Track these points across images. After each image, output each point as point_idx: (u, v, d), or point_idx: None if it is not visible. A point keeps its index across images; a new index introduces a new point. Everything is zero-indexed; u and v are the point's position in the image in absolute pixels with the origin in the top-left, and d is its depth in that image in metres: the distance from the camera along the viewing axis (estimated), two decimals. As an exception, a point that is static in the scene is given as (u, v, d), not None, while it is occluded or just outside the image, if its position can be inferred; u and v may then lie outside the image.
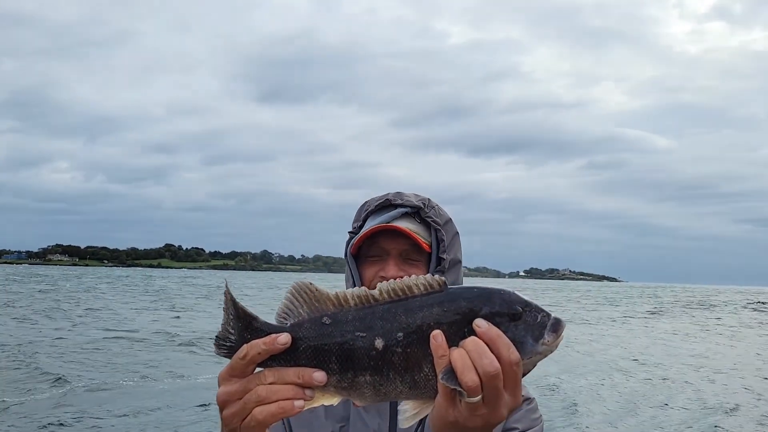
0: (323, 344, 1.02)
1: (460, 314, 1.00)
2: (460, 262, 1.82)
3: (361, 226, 1.80)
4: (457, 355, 0.97)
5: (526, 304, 1.01)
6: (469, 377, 0.95)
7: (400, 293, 1.03)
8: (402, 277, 1.45)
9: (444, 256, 1.73)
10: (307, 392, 1.01)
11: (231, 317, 1.07)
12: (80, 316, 26.94)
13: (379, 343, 1.01)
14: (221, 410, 1.06)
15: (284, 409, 1.00)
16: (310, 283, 1.05)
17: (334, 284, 1.13)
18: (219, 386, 1.06)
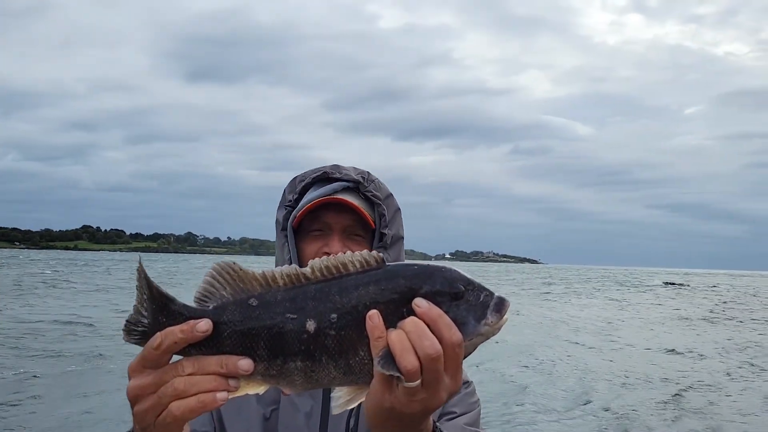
0: (250, 328, 0.93)
1: (399, 293, 0.93)
2: (402, 238, 1.75)
3: (297, 200, 1.70)
4: (396, 337, 0.90)
5: (469, 283, 0.95)
6: (408, 360, 0.88)
7: (334, 271, 0.95)
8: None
9: (385, 231, 1.67)
10: (231, 382, 0.92)
11: (144, 298, 0.94)
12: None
13: (310, 325, 0.93)
14: (132, 405, 0.94)
15: (204, 404, 0.90)
16: (233, 263, 0.95)
17: (263, 267, 1.00)
18: (129, 378, 0.94)
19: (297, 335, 0.93)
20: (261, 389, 0.94)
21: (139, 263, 0.94)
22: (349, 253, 0.95)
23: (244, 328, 0.93)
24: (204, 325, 0.90)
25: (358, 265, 0.95)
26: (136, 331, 0.94)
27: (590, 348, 18.14)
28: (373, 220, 1.65)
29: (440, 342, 0.90)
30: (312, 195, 1.64)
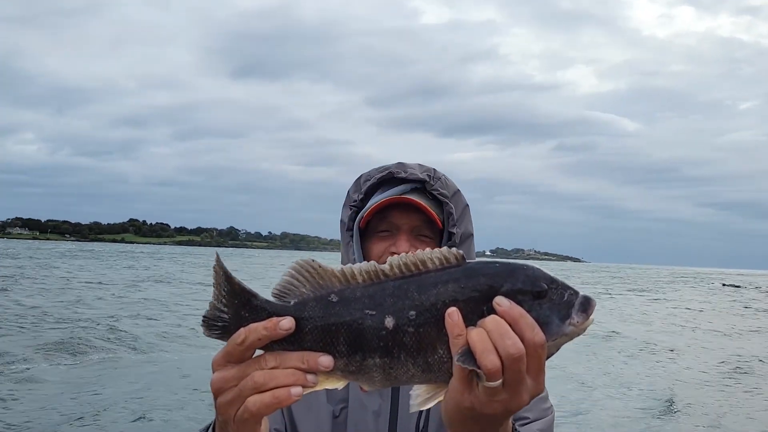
0: (330, 324, 0.93)
1: (479, 291, 0.91)
2: (471, 235, 1.71)
3: (363, 200, 1.69)
4: (476, 336, 0.88)
5: (552, 281, 0.93)
6: (490, 359, 0.86)
7: (413, 268, 0.93)
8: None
9: (454, 230, 1.64)
10: (310, 378, 0.92)
11: (224, 293, 0.95)
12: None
13: (389, 322, 0.92)
14: (215, 398, 0.96)
15: (279, 399, 0.90)
16: (313, 260, 0.95)
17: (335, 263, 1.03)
18: (213, 371, 0.96)
19: (376, 332, 0.92)
20: (340, 384, 0.94)
21: (217, 258, 0.95)
22: (428, 250, 0.94)
23: (325, 324, 0.93)
24: (287, 323, 0.91)
25: (437, 262, 0.93)
26: (216, 326, 0.95)
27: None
28: (440, 220, 1.64)
29: (522, 342, 0.88)
30: (380, 195, 1.65)
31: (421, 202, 1.59)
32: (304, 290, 0.94)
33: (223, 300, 0.95)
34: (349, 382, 0.94)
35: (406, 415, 1.54)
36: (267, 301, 0.95)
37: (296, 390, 0.90)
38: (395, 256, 0.94)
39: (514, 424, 1.07)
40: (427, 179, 1.64)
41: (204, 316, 0.95)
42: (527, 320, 0.89)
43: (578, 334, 0.93)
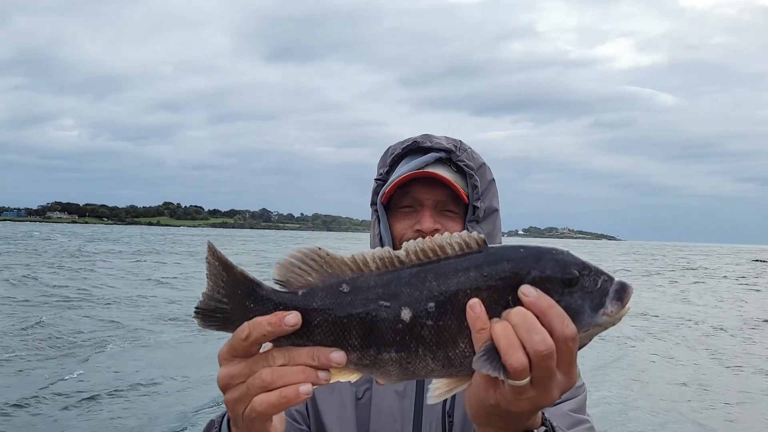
0: (341, 316, 0.86)
1: (503, 279, 0.84)
2: (497, 210, 1.64)
3: (388, 173, 1.64)
4: (501, 331, 0.80)
5: (584, 267, 0.85)
6: (516, 357, 0.79)
7: (431, 254, 0.86)
8: (438, 231, 1.33)
9: (478, 204, 1.57)
10: (321, 375, 0.86)
11: (221, 284, 0.88)
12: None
13: (405, 314, 0.85)
14: (223, 393, 0.92)
15: (287, 398, 0.85)
16: (319, 248, 0.88)
17: (335, 245, 1.01)
18: (220, 365, 0.91)
19: (391, 324, 0.85)
20: (353, 377, 0.89)
21: (209, 247, 0.88)
22: (447, 234, 0.87)
23: (336, 316, 0.86)
24: (292, 318, 0.85)
25: (457, 248, 0.86)
26: (216, 317, 0.89)
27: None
28: (466, 194, 1.57)
29: (551, 335, 0.81)
30: (402, 169, 1.59)
31: (445, 176, 1.53)
32: (310, 279, 0.87)
33: (222, 290, 0.88)
34: (363, 375, 0.89)
35: None
36: (273, 291, 0.88)
37: (305, 388, 0.85)
38: (411, 241, 0.87)
39: (543, 414, 1.01)
40: (453, 149, 1.59)
41: (197, 308, 0.88)
42: (557, 311, 0.81)
43: (613, 324, 0.86)
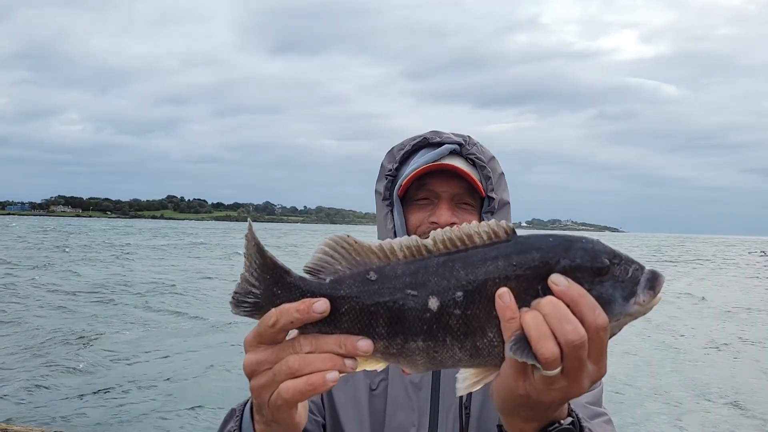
0: (368, 304, 0.85)
1: (533, 268, 0.83)
2: (508, 203, 1.65)
3: (398, 168, 1.64)
4: (532, 320, 0.79)
5: (615, 255, 0.83)
6: (547, 347, 0.78)
7: (459, 243, 0.85)
8: (455, 224, 1.34)
9: (492, 195, 1.58)
10: (348, 363, 0.85)
11: (255, 266, 0.87)
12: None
13: (433, 303, 0.84)
14: (249, 379, 0.91)
15: (314, 385, 0.84)
16: (348, 236, 0.87)
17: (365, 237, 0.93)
18: (245, 352, 0.91)
19: (418, 313, 0.84)
20: (380, 366, 0.88)
21: (249, 227, 0.87)
22: (474, 223, 0.85)
23: (363, 304, 0.86)
24: (321, 305, 0.84)
25: (485, 237, 0.85)
26: (247, 303, 0.88)
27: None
28: (482, 186, 1.58)
29: (582, 325, 0.79)
30: (418, 161, 1.58)
31: (462, 168, 1.54)
32: (339, 267, 0.87)
33: (255, 274, 0.87)
34: (390, 364, 0.88)
35: (449, 388, 1.47)
36: (301, 278, 0.88)
37: (332, 375, 0.85)
38: (439, 230, 0.86)
39: (569, 404, 0.99)
40: (464, 143, 1.59)
41: (235, 292, 0.88)
42: (588, 300, 0.80)
43: (644, 313, 0.84)
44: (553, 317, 0.79)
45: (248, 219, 0.91)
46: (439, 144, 1.59)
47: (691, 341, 14.36)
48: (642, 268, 0.83)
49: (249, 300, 0.88)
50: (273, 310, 0.85)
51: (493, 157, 1.64)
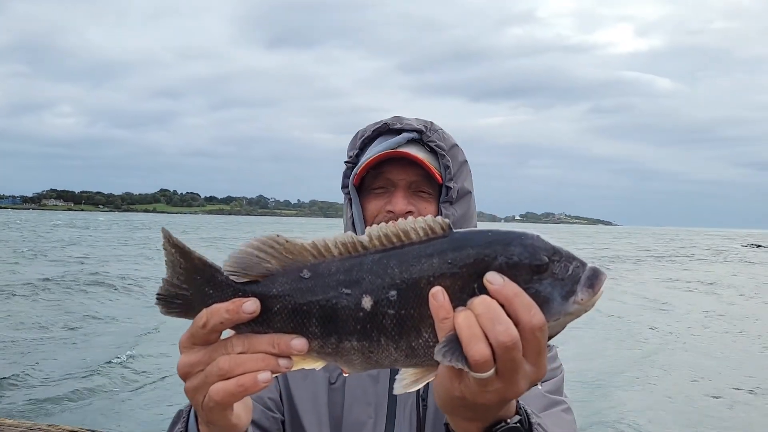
0: (301, 303, 0.84)
1: (468, 266, 0.80)
2: (470, 192, 1.62)
3: (358, 155, 1.62)
4: (463, 321, 0.77)
5: (555, 252, 0.80)
6: (477, 349, 0.76)
7: (395, 239, 0.82)
8: (411, 213, 1.43)
9: (450, 185, 1.54)
10: (282, 362, 0.84)
11: (181, 270, 0.86)
12: None
13: (366, 302, 0.82)
14: (184, 382, 0.90)
15: (244, 387, 0.83)
16: (278, 235, 0.85)
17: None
18: (180, 353, 0.89)
19: (352, 313, 0.82)
20: (319, 365, 0.86)
21: (164, 234, 0.87)
22: (411, 218, 0.83)
23: (295, 303, 0.84)
24: (251, 305, 0.83)
25: (421, 233, 0.82)
26: (176, 304, 0.87)
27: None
28: (439, 174, 1.55)
29: (518, 325, 0.77)
30: (374, 149, 1.56)
31: (418, 155, 1.49)
32: (269, 266, 0.85)
33: (181, 277, 0.86)
34: (328, 363, 0.86)
35: None
36: (231, 278, 0.86)
37: (264, 376, 0.83)
38: (374, 226, 0.83)
39: (518, 402, 0.96)
40: (424, 130, 1.55)
41: (158, 294, 0.87)
42: (523, 300, 0.78)
43: (584, 312, 0.81)
44: (485, 318, 0.77)
45: (162, 228, 0.89)
46: (400, 131, 1.56)
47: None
48: (583, 265, 0.80)
49: (178, 302, 0.87)
50: (204, 310, 0.84)
51: (455, 145, 1.59)
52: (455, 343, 0.76)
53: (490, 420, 0.90)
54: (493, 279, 0.78)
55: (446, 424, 0.95)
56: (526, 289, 0.78)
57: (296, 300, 0.84)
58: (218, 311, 0.83)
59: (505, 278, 0.78)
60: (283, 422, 1.49)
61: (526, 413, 0.96)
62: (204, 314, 0.84)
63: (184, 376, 0.88)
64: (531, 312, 0.77)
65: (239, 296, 0.84)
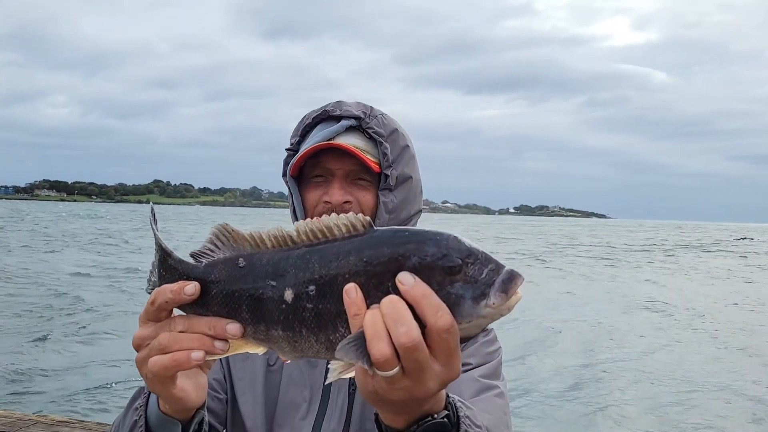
0: (234, 290, 0.89)
1: (382, 264, 0.80)
2: (410, 178, 1.58)
3: (299, 143, 1.59)
4: (369, 319, 0.78)
5: (470, 254, 0.79)
6: (378, 348, 0.77)
7: (320, 235, 0.84)
8: (349, 203, 1.49)
9: (389, 172, 1.52)
10: (218, 345, 0.89)
11: (155, 252, 0.96)
12: None
13: (288, 295, 0.85)
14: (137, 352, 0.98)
15: (178, 362, 0.90)
16: (226, 224, 0.91)
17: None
18: (138, 327, 0.98)
19: (276, 304, 0.86)
20: (260, 350, 0.90)
21: (151, 210, 0.95)
22: (334, 215, 0.85)
23: (229, 289, 0.89)
24: (191, 288, 0.89)
25: (343, 230, 0.84)
26: (150, 281, 0.97)
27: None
28: (378, 163, 1.53)
29: (425, 326, 0.78)
30: (313, 139, 1.55)
31: (350, 146, 1.47)
32: (220, 254, 0.91)
33: (154, 259, 0.97)
34: (266, 348, 0.91)
35: None
36: (180, 261, 0.93)
37: (197, 354, 0.89)
38: (302, 221, 0.86)
39: (447, 395, 0.97)
40: (363, 116, 1.53)
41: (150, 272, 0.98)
42: (431, 301, 0.78)
43: (501, 315, 0.80)
44: (389, 317, 0.78)
45: (150, 204, 0.98)
46: (339, 118, 1.54)
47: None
48: (500, 268, 0.79)
49: (151, 279, 0.97)
50: (154, 290, 0.92)
51: (395, 130, 1.56)
52: (362, 341, 0.78)
53: (415, 415, 0.90)
54: (404, 279, 0.78)
55: (376, 414, 0.96)
56: (437, 291, 0.78)
57: (230, 287, 0.89)
58: (164, 291, 0.90)
59: (417, 279, 0.78)
60: (227, 401, 1.54)
61: (455, 407, 0.96)
62: (154, 294, 0.92)
63: (136, 348, 0.96)
64: (438, 314, 0.77)
65: (183, 279, 0.92)
